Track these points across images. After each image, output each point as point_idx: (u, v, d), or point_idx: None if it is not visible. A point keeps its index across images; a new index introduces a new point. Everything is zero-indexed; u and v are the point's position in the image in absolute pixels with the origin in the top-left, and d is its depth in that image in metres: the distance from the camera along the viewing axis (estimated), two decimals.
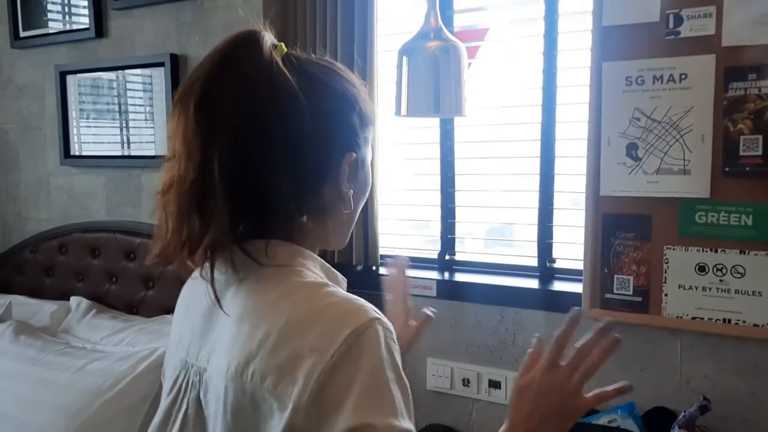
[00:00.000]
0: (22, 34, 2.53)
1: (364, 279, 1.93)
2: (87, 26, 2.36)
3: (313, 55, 0.83)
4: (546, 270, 1.82)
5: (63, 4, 2.47)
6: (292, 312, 0.71)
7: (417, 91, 1.56)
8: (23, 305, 2.32)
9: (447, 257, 1.97)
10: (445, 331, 1.83)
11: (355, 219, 0.88)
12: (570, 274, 1.78)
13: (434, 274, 1.90)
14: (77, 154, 2.47)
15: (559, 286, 1.76)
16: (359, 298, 0.73)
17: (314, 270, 0.79)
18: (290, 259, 0.78)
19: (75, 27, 2.42)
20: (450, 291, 1.83)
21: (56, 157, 2.49)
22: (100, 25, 2.34)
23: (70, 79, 2.45)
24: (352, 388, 0.66)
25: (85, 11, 2.36)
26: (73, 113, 2.47)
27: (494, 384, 1.75)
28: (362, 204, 0.87)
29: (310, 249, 0.82)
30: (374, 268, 1.96)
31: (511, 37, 1.89)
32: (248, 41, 0.75)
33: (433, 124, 1.96)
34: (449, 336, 1.82)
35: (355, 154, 0.81)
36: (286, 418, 0.67)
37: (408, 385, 0.72)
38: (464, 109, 1.57)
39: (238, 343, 0.72)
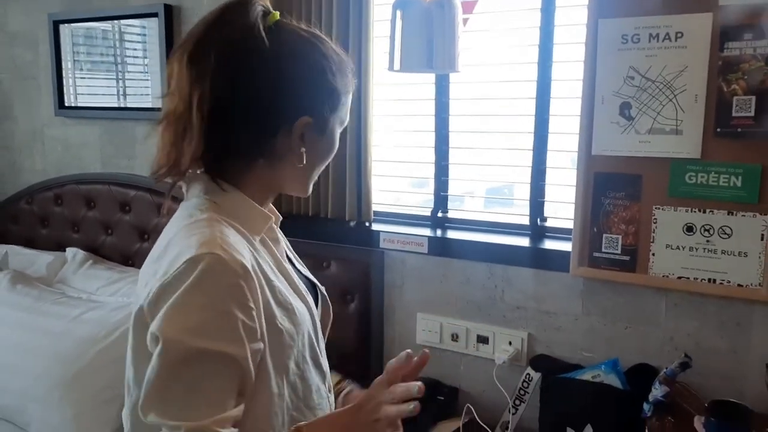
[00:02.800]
0: None
1: (357, 234, 1.95)
2: None
3: (303, 26, 0.96)
4: (537, 228, 1.83)
5: None
6: (167, 242, 0.88)
7: (410, 45, 1.55)
8: (19, 255, 2.35)
9: (440, 214, 1.98)
10: (435, 287, 1.85)
11: (313, 175, 1.01)
12: (561, 233, 1.79)
13: (427, 231, 1.91)
14: (72, 105, 2.46)
15: (549, 244, 1.77)
16: (217, 235, 0.84)
17: (226, 206, 0.91)
18: (200, 194, 0.92)
19: None
20: (441, 248, 1.84)
21: (51, 107, 2.48)
22: None
23: (64, 29, 2.43)
24: (167, 303, 0.80)
25: None
26: (68, 64, 2.45)
27: (482, 339, 1.78)
28: (321, 164, 1.00)
29: (263, 190, 0.97)
30: (367, 224, 1.98)
31: None
32: (238, 7, 0.89)
33: (429, 80, 1.95)
34: (439, 292, 1.84)
35: (310, 118, 0.93)
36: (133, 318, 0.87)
37: (233, 315, 0.81)
38: (458, 64, 1.56)
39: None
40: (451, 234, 1.89)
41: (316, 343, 1.02)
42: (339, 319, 1.84)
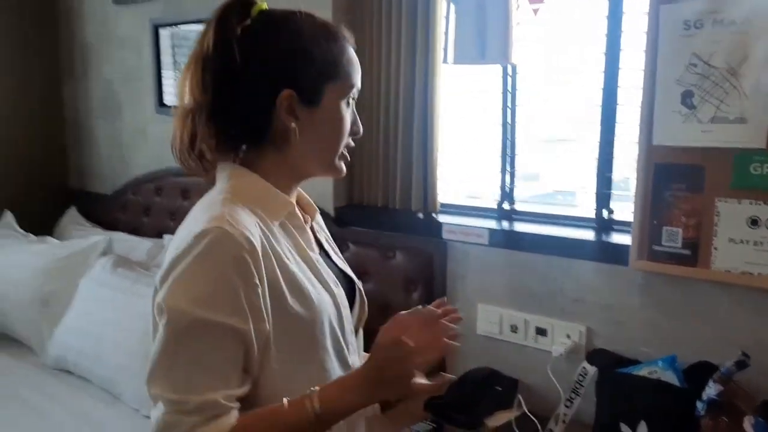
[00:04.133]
0: None
1: (422, 225, 1.99)
2: None
3: (291, 14, 0.97)
4: (602, 221, 1.79)
5: None
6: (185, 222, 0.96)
7: (463, 37, 1.57)
8: (124, 241, 2.58)
9: (505, 206, 1.98)
10: (497, 278, 1.86)
11: (328, 151, 1.01)
12: (628, 226, 1.74)
13: (490, 223, 1.92)
14: (170, 103, 2.67)
15: (614, 238, 1.73)
16: (225, 212, 0.89)
17: (244, 190, 0.96)
18: (223, 180, 0.98)
19: None
20: (504, 240, 1.84)
21: (152, 106, 2.70)
22: None
23: (163, 32, 2.63)
24: (174, 274, 0.86)
25: None
26: (165, 64, 2.65)
27: (540, 331, 1.77)
28: (332, 137, 1.00)
29: (283, 175, 1.00)
30: (432, 215, 2.02)
31: None
32: (225, 9, 0.95)
33: (496, 71, 1.95)
34: (500, 283, 1.85)
35: (292, 90, 0.94)
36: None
37: (237, 288, 0.86)
38: (512, 55, 1.57)
39: None
40: (514, 226, 1.89)
41: (340, 336, 1.03)
42: (402, 308, 1.90)
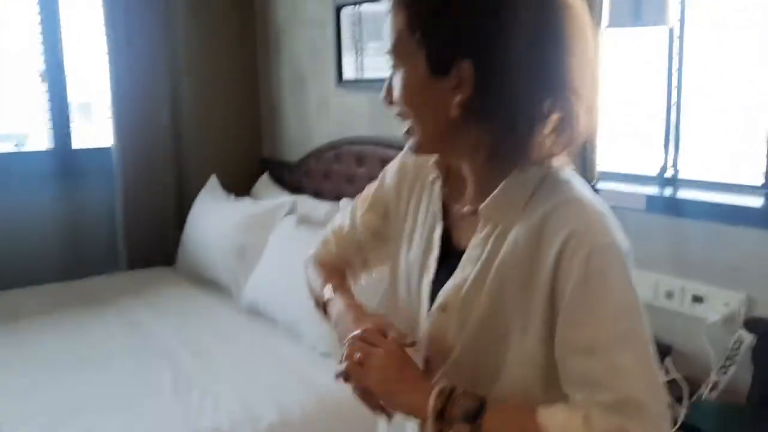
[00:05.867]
0: None
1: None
2: None
3: None
4: None
5: None
6: None
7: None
8: (306, 203, 2.88)
9: (668, 174, 1.95)
10: (654, 244, 1.85)
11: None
12: None
13: (650, 189, 1.90)
14: (351, 78, 2.90)
15: None
16: None
17: None
18: None
19: None
20: (663, 206, 1.83)
21: (333, 81, 2.96)
22: None
23: (344, 12, 2.86)
24: None
25: None
26: (346, 43, 2.89)
27: (697, 299, 1.75)
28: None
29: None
30: (591, 183, 2.04)
31: None
32: None
33: (662, 35, 1.91)
34: (657, 250, 1.84)
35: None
36: None
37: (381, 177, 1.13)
38: (669, 17, 1.55)
39: None
40: (674, 193, 1.87)
41: (416, 289, 1.01)
42: None
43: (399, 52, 0.88)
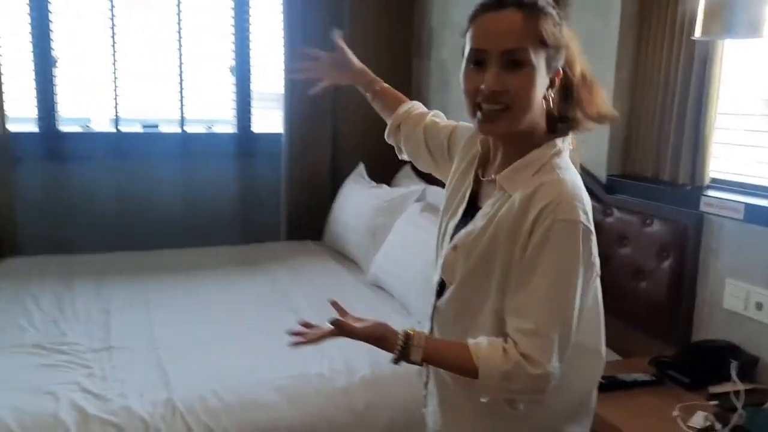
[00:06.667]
0: None
1: (681, 196, 2.04)
2: None
3: None
4: None
5: None
6: None
7: (712, 10, 1.60)
8: (437, 193, 3.11)
9: None
10: (748, 255, 1.84)
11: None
12: None
13: (755, 200, 1.88)
14: None
15: None
16: None
17: None
18: None
19: None
20: (759, 216, 1.81)
21: None
22: None
23: None
24: None
25: None
26: None
27: None
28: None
29: None
30: (693, 188, 2.05)
31: None
32: None
33: None
34: (753, 260, 1.83)
35: None
36: None
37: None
38: (764, 29, 1.56)
39: None
40: None
41: (439, 244, 1.32)
42: (652, 273, 2.04)
43: (525, 60, 1.11)
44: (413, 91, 3.76)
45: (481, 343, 1.12)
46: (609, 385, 1.72)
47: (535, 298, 1.08)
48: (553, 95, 1.16)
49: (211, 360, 2.12)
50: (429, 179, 3.42)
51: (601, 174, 2.33)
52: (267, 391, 1.95)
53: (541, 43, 1.11)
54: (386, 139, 1.63)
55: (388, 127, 1.59)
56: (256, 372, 2.05)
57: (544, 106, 1.16)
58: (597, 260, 1.15)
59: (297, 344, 1.22)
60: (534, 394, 1.11)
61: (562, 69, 1.17)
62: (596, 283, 1.20)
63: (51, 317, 2.43)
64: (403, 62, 3.79)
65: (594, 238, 1.12)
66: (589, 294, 1.16)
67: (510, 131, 1.16)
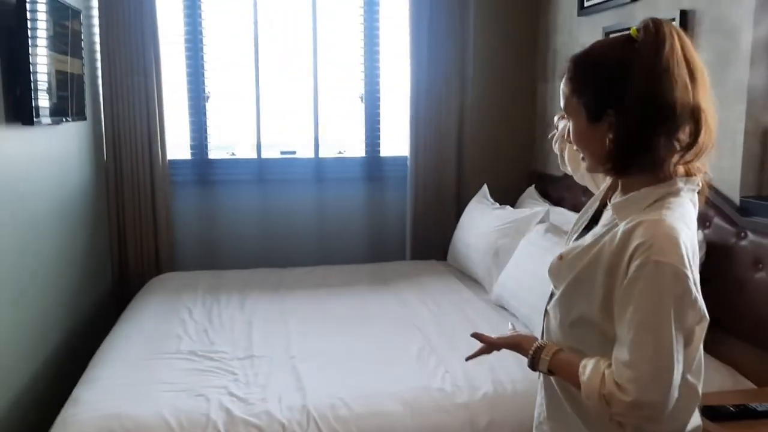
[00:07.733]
0: (586, 4, 3.24)
1: None
2: None
3: None
4: None
5: None
6: None
7: None
8: (560, 214, 3.13)
9: None
10: None
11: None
12: None
13: None
14: None
15: None
16: None
17: None
18: None
19: None
20: None
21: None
22: None
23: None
24: None
25: None
26: None
27: None
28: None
29: None
30: None
31: None
32: None
33: None
34: None
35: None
36: None
37: None
38: None
39: None
40: None
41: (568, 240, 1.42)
42: (750, 284, 1.99)
43: (568, 110, 1.28)
44: (538, 114, 3.79)
45: (588, 366, 1.20)
46: (740, 414, 1.68)
47: (630, 331, 1.14)
48: (610, 136, 1.21)
49: (341, 370, 2.28)
50: (556, 200, 3.44)
51: (735, 195, 2.26)
52: (392, 402, 2.07)
53: (574, 94, 1.27)
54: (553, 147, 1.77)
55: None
56: (383, 383, 2.18)
57: (610, 148, 1.21)
58: (701, 303, 1.18)
59: (470, 357, 1.59)
60: (642, 422, 1.18)
61: (616, 110, 1.20)
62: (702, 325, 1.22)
63: (202, 327, 2.70)
64: (528, 85, 3.84)
65: (691, 280, 1.14)
66: (695, 335, 1.21)
67: (594, 172, 1.36)
